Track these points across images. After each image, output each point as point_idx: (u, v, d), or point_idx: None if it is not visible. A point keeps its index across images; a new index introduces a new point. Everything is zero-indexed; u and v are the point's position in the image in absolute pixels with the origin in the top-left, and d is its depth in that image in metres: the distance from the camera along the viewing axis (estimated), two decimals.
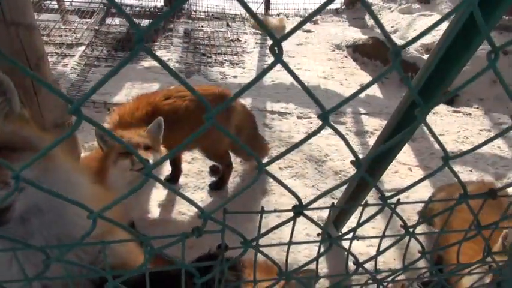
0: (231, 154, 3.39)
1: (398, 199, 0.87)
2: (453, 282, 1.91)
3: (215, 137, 2.97)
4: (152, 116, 2.67)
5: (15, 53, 1.80)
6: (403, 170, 3.81)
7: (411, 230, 0.91)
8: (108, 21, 6.24)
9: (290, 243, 0.95)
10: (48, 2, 6.49)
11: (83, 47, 5.37)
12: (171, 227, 3.01)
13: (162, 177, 3.25)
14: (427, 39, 5.56)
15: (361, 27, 6.83)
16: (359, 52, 5.91)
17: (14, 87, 1.06)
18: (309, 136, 0.71)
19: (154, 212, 3.13)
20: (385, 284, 1.05)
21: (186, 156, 3.60)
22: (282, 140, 4.06)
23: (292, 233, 0.93)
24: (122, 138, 2.33)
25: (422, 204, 3.02)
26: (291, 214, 0.82)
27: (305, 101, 4.61)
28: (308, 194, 3.40)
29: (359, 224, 0.91)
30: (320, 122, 0.67)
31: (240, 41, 6.22)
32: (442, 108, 4.94)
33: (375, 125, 4.43)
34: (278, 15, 7.16)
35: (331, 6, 7.43)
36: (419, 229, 3.04)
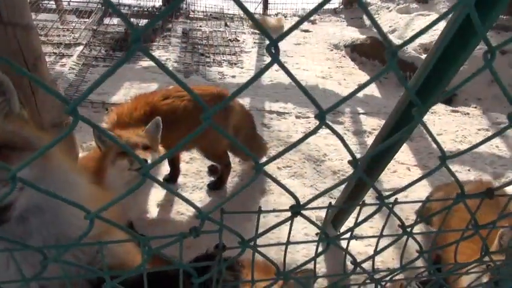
0: (230, 154, 3.39)
1: (396, 199, 0.88)
2: (451, 281, 1.91)
3: (213, 137, 2.97)
4: (150, 115, 2.67)
5: (12, 53, 1.80)
6: (402, 170, 3.81)
7: (409, 229, 0.91)
8: (106, 21, 6.24)
9: (288, 243, 0.95)
10: (46, 1, 6.48)
11: (81, 47, 5.36)
12: (170, 227, 3.00)
13: (161, 177, 3.25)
14: (425, 39, 5.57)
15: (359, 27, 6.84)
16: (357, 52, 5.92)
17: (13, 88, 1.07)
18: (306, 136, 0.71)
19: (153, 212, 3.12)
20: (383, 283, 1.05)
21: (185, 156, 3.60)
22: (280, 140, 4.06)
23: (289, 232, 0.93)
24: (120, 138, 2.35)
25: (420, 204, 3.02)
26: (289, 214, 0.82)
27: (303, 100, 4.61)
28: (307, 194, 3.40)
29: (356, 224, 0.91)
30: (318, 122, 0.68)
31: (238, 40, 6.22)
32: (440, 107, 4.95)
33: (373, 125, 4.44)
34: (276, 15, 7.16)
35: (330, 6, 7.44)
36: (417, 228, 3.04)
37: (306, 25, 6.88)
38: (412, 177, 3.70)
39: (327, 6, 7.26)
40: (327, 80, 5.37)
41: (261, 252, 0.87)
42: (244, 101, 4.35)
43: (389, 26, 6.52)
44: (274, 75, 5.05)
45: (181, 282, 0.88)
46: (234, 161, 3.52)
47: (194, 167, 3.61)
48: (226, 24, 6.71)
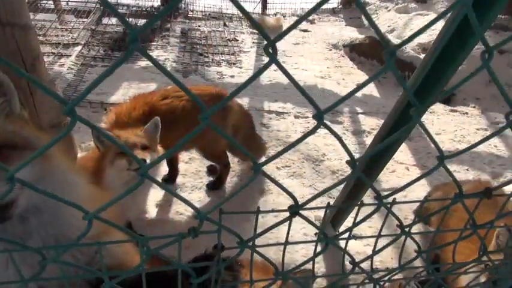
0: (229, 154, 3.38)
1: (394, 198, 0.88)
2: (450, 280, 1.91)
3: (212, 137, 2.97)
4: (149, 115, 2.67)
5: (10, 53, 1.79)
6: (400, 170, 3.82)
7: (407, 229, 0.91)
8: (105, 20, 6.23)
9: (286, 243, 0.95)
10: (44, 1, 6.47)
11: (80, 47, 5.36)
12: (168, 227, 3.00)
13: (159, 178, 3.24)
14: (423, 39, 5.58)
15: (358, 27, 6.85)
16: (356, 51, 5.92)
17: (14, 88, 1.09)
18: (305, 136, 0.72)
19: (152, 212, 3.12)
20: (381, 283, 1.05)
21: (184, 156, 3.60)
22: (279, 140, 4.06)
23: (288, 233, 0.94)
24: (119, 138, 2.35)
25: (419, 203, 3.03)
26: (288, 214, 0.82)
27: (302, 100, 4.60)
28: (305, 194, 3.40)
29: (355, 224, 0.91)
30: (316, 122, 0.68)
31: (237, 40, 6.22)
32: (438, 107, 4.95)
33: (372, 125, 4.44)
34: (275, 14, 7.16)
35: (328, 6, 7.44)
36: (415, 228, 3.04)
37: (304, 25, 6.88)
38: (410, 177, 3.70)
39: (325, 6, 7.26)
40: (326, 79, 5.38)
41: (260, 252, 0.87)
42: (243, 100, 4.35)
43: (388, 26, 6.53)
44: (273, 75, 5.05)
45: (180, 282, 0.88)
46: (233, 161, 3.52)
47: (193, 167, 3.61)
48: (225, 24, 6.71)
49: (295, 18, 7.17)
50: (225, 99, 0.69)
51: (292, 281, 0.98)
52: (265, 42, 0.61)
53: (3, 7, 1.72)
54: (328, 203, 0.95)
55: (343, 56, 6.03)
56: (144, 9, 6.81)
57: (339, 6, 7.59)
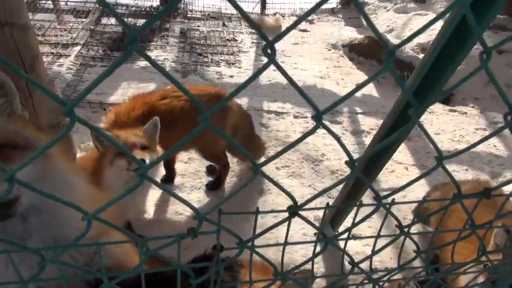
0: (228, 154, 3.39)
1: (393, 199, 0.88)
2: (449, 280, 1.92)
3: (211, 137, 2.97)
4: (148, 115, 2.67)
5: (9, 53, 1.79)
6: (400, 169, 3.82)
7: (406, 230, 0.91)
8: (104, 20, 6.23)
9: (286, 243, 0.95)
10: (43, 1, 6.47)
11: (79, 47, 5.35)
12: (167, 227, 3.00)
13: (158, 178, 3.24)
14: (422, 39, 5.58)
15: (357, 27, 6.85)
16: (355, 51, 5.92)
17: (15, 89, 1.11)
18: (304, 136, 0.72)
19: (151, 212, 3.12)
20: (380, 283, 1.05)
21: (183, 156, 3.60)
22: (278, 140, 4.06)
23: (287, 233, 0.94)
24: (118, 138, 2.35)
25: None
26: (287, 214, 0.82)
27: (302, 100, 4.59)
28: (305, 194, 3.40)
29: (354, 224, 0.91)
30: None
31: (236, 40, 6.22)
32: (437, 107, 4.96)
33: (371, 125, 4.44)
34: (274, 14, 7.16)
35: (327, 6, 7.44)
36: (414, 228, 3.05)
37: (303, 25, 6.88)
38: (410, 177, 3.70)
39: (324, 6, 7.27)
40: (325, 79, 5.38)
41: (259, 253, 0.87)
42: (242, 101, 4.35)
43: (387, 26, 6.53)
44: (272, 75, 5.05)
45: (179, 283, 0.88)
46: (232, 161, 3.52)
47: (192, 167, 3.61)
48: (224, 24, 6.71)
49: (294, 18, 7.17)
50: (224, 100, 0.69)
51: (292, 282, 0.98)
52: (264, 43, 0.61)
53: (2, 7, 1.72)
54: (328, 203, 0.95)
55: (342, 56, 6.04)
56: (143, 9, 6.81)
57: (338, 6, 7.59)
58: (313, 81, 5.24)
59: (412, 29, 6.09)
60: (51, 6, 6.37)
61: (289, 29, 0.62)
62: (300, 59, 5.84)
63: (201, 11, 7.03)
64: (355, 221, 0.92)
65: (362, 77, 5.53)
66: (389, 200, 0.86)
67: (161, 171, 3.33)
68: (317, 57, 5.96)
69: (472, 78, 0.75)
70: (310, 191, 3.45)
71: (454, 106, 5.03)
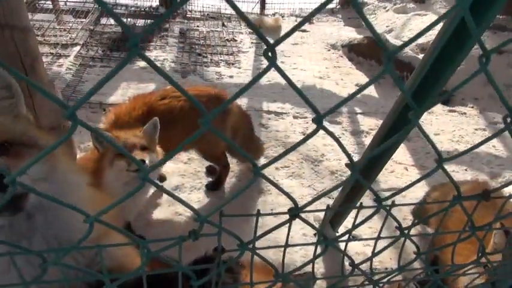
0: (227, 155, 3.39)
1: (393, 201, 0.88)
2: (450, 281, 1.92)
3: (212, 139, 2.97)
4: (148, 116, 2.67)
5: (10, 55, 1.80)
6: (399, 170, 3.83)
7: (406, 231, 0.91)
8: (103, 21, 6.22)
9: (286, 245, 0.95)
10: (42, 1, 6.46)
11: (78, 47, 5.35)
12: (168, 227, 3.01)
13: (157, 179, 3.25)
14: (421, 39, 5.57)
15: (357, 27, 6.85)
16: (354, 52, 5.92)
17: (20, 91, 1.14)
18: (304, 139, 0.72)
19: (151, 212, 3.12)
20: (381, 285, 1.05)
21: (183, 156, 3.60)
22: (278, 140, 4.06)
23: (288, 235, 0.94)
24: (118, 139, 2.35)
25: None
26: (287, 216, 0.82)
27: (301, 100, 4.45)
28: (305, 194, 3.41)
29: (354, 226, 0.91)
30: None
31: (236, 40, 6.22)
32: (437, 107, 4.96)
33: (370, 125, 4.45)
34: (274, 14, 7.16)
35: (327, 6, 7.43)
36: (414, 229, 3.05)
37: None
38: (409, 177, 3.71)
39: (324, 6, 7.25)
40: (325, 80, 5.38)
41: (260, 254, 0.87)
42: (242, 101, 4.35)
43: (386, 26, 6.53)
44: (272, 75, 5.05)
45: (181, 284, 0.89)
46: (232, 162, 3.52)
47: (192, 167, 3.62)
48: (223, 24, 6.71)
49: (293, 19, 7.17)
50: (224, 103, 0.70)
51: (293, 283, 0.98)
52: (265, 46, 0.61)
53: (1, 9, 1.72)
54: (328, 205, 0.96)
55: (341, 56, 6.04)
56: (142, 9, 6.81)
57: (338, 7, 7.59)
58: (312, 82, 5.24)
59: (412, 29, 6.09)
60: (51, 6, 6.37)
61: (289, 33, 0.63)
62: (299, 59, 5.84)
63: (200, 11, 7.03)
64: (356, 223, 0.93)
65: (361, 77, 5.54)
66: (389, 202, 0.87)
67: (161, 172, 3.34)
68: (316, 57, 5.97)
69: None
70: (309, 191, 3.45)
71: (453, 106, 5.04)
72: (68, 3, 6.61)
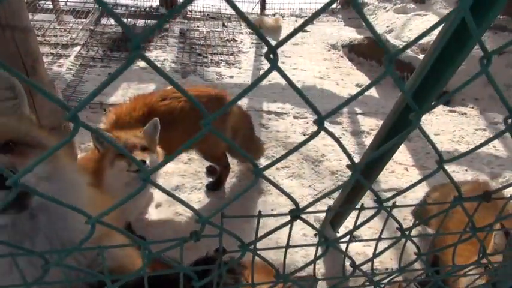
0: (228, 155, 3.39)
1: (394, 202, 0.88)
2: (451, 281, 1.92)
3: (212, 140, 2.97)
4: (148, 116, 2.67)
5: (10, 56, 1.80)
6: (399, 170, 3.83)
7: (407, 232, 0.91)
8: (104, 21, 6.22)
9: (288, 246, 0.95)
10: (42, 2, 6.46)
11: (78, 47, 5.35)
12: (168, 227, 3.01)
13: (158, 179, 3.24)
14: (422, 39, 5.58)
15: (357, 27, 6.85)
16: (355, 52, 5.93)
17: (24, 92, 1.16)
18: (305, 141, 0.72)
19: (151, 212, 3.13)
20: (382, 285, 1.05)
21: (183, 156, 3.61)
22: (278, 140, 4.07)
23: (289, 236, 0.94)
24: (119, 139, 2.35)
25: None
26: (288, 217, 0.82)
27: (301, 101, 4.45)
28: (305, 194, 3.41)
29: (355, 227, 0.92)
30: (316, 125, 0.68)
31: (236, 41, 6.22)
32: (437, 108, 4.96)
33: (371, 125, 4.45)
34: (274, 15, 7.16)
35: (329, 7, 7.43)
36: (415, 230, 3.05)
37: None
38: (409, 177, 3.71)
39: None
40: (325, 80, 5.38)
41: (261, 255, 0.87)
42: (242, 101, 4.35)
43: (387, 26, 6.53)
44: (272, 75, 4.91)
45: (182, 285, 0.89)
46: (232, 162, 3.52)
47: (192, 167, 3.62)
48: (223, 25, 6.71)
49: (293, 19, 7.17)
50: (226, 105, 0.70)
51: (293, 284, 0.98)
52: (267, 48, 0.61)
53: (2, 9, 1.73)
54: (329, 206, 0.96)
55: (341, 57, 6.04)
56: (142, 9, 6.81)
57: (338, 7, 7.59)
58: (312, 82, 5.25)
59: (412, 30, 6.09)
60: (51, 6, 6.37)
61: (293, 33, 0.63)
62: (299, 60, 5.84)
63: (200, 12, 7.03)
64: (357, 224, 0.93)
65: (362, 77, 5.54)
66: (390, 203, 0.87)
67: (161, 173, 3.33)
68: (317, 57, 5.97)
69: None
70: (310, 192, 3.46)
71: (453, 107, 5.04)
72: (68, 4, 6.61)
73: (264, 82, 5.00)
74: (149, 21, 6.43)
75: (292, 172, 3.68)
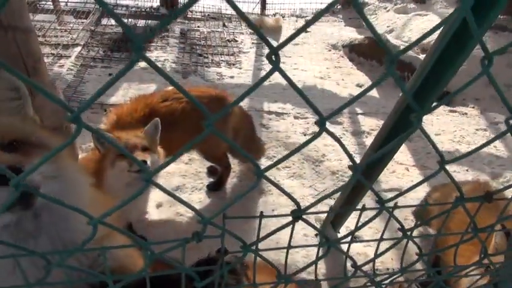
0: (229, 155, 3.39)
1: (396, 203, 0.88)
2: (452, 282, 1.92)
3: (213, 140, 2.97)
4: (149, 117, 2.67)
5: (12, 57, 1.80)
6: (400, 170, 3.82)
7: (408, 233, 0.91)
8: (104, 21, 6.22)
9: (289, 247, 0.95)
10: (43, 2, 6.46)
11: (79, 48, 5.36)
12: (169, 228, 3.01)
13: (159, 179, 3.25)
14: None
15: (357, 27, 6.85)
16: (355, 52, 5.92)
17: (28, 93, 1.17)
18: (307, 142, 0.72)
19: (152, 213, 3.13)
20: (383, 286, 1.05)
21: (184, 157, 3.61)
22: (279, 141, 4.07)
23: (291, 236, 0.94)
24: (119, 140, 2.35)
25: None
26: (290, 218, 0.82)
27: (302, 101, 4.44)
28: (306, 194, 3.41)
29: (357, 228, 0.92)
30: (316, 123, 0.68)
31: (237, 41, 6.22)
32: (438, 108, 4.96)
33: (371, 125, 4.45)
34: (274, 15, 7.16)
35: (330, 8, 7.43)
36: (416, 230, 3.05)
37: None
38: (410, 177, 3.71)
39: (324, 6, 7.26)
40: (325, 80, 5.38)
41: (263, 256, 0.87)
42: (243, 101, 4.34)
43: (387, 26, 6.53)
44: (273, 75, 4.85)
45: (184, 285, 0.89)
46: (233, 162, 3.52)
47: (193, 168, 3.62)
48: (224, 25, 6.71)
49: (294, 19, 7.17)
50: (227, 107, 0.70)
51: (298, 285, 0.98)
52: (268, 50, 0.61)
53: (4, 10, 1.73)
54: (330, 206, 0.96)
55: (342, 57, 6.04)
56: (143, 9, 6.81)
57: (338, 7, 7.59)
58: (313, 82, 5.25)
59: (412, 30, 6.09)
60: (52, 7, 6.37)
61: (295, 35, 0.63)
62: (300, 60, 5.84)
63: (201, 12, 7.03)
64: (358, 225, 0.93)
65: (362, 77, 5.54)
66: (392, 203, 0.87)
67: (162, 173, 3.34)
68: (317, 57, 5.97)
69: None
70: (311, 192, 3.46)
71: (454, 107, 5.04)
72: (68, 4, 6.61)
73: (265, 82, 4.94)
74: (150, 21, 6.43)
75: (293, 172, 3.68)
